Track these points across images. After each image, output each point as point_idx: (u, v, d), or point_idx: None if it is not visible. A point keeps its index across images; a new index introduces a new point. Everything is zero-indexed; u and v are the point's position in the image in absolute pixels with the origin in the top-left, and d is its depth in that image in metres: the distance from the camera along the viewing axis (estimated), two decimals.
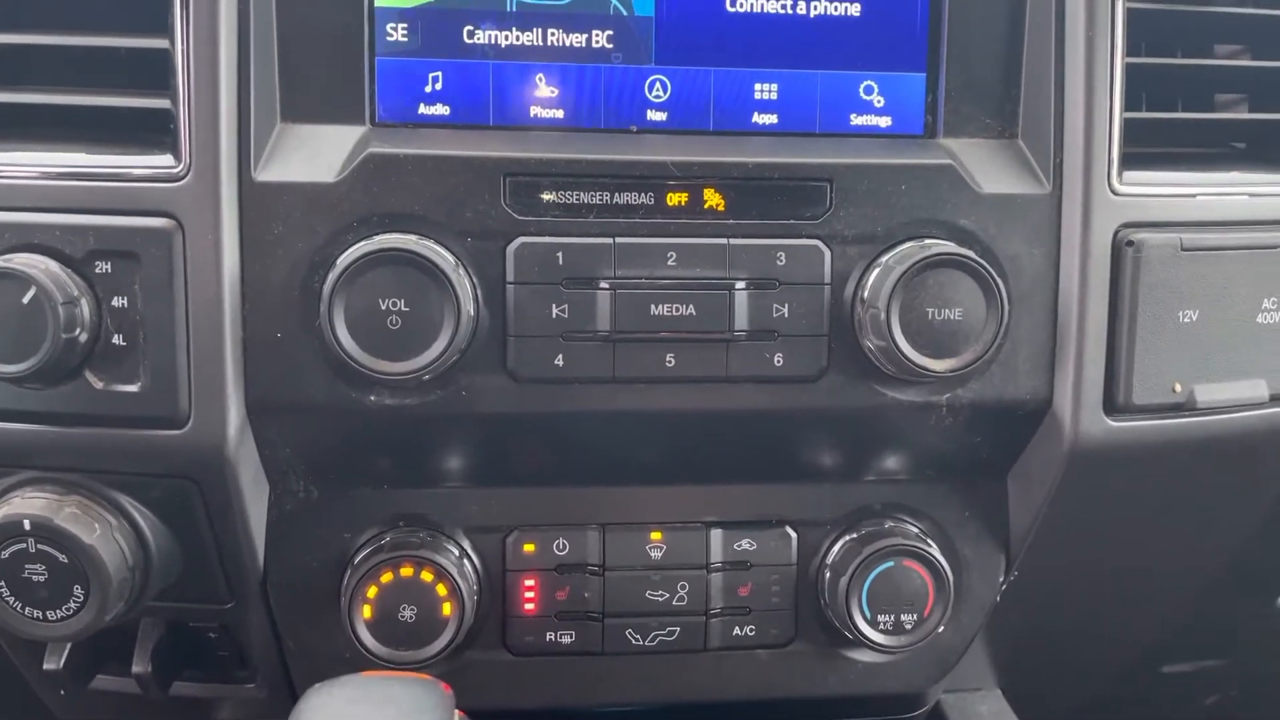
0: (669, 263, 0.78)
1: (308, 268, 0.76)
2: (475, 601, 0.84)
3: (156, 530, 0.80)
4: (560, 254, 0.77)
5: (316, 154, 0.77)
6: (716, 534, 0.88)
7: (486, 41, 0.81)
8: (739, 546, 0.89)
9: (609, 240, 0.78)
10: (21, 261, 0.71)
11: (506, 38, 0.81)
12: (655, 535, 0.87)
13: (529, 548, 0.87)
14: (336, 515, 0.86)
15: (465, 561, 0.85)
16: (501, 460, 0.86)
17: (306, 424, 0.79)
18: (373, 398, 0.77)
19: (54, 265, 0.72)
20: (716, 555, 0.88)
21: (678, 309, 0.78)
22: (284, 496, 0.84)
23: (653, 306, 0.78)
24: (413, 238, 0.75)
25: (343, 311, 0.73)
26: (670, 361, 0.78)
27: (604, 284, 0.78)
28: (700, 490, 0.89)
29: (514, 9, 0.81)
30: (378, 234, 0.76)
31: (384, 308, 0.74)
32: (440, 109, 0.81)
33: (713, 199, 0.79)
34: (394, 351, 0.74)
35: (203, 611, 0.87)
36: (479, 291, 0.76)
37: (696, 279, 0.78)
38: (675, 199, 0.79)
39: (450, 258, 0.75)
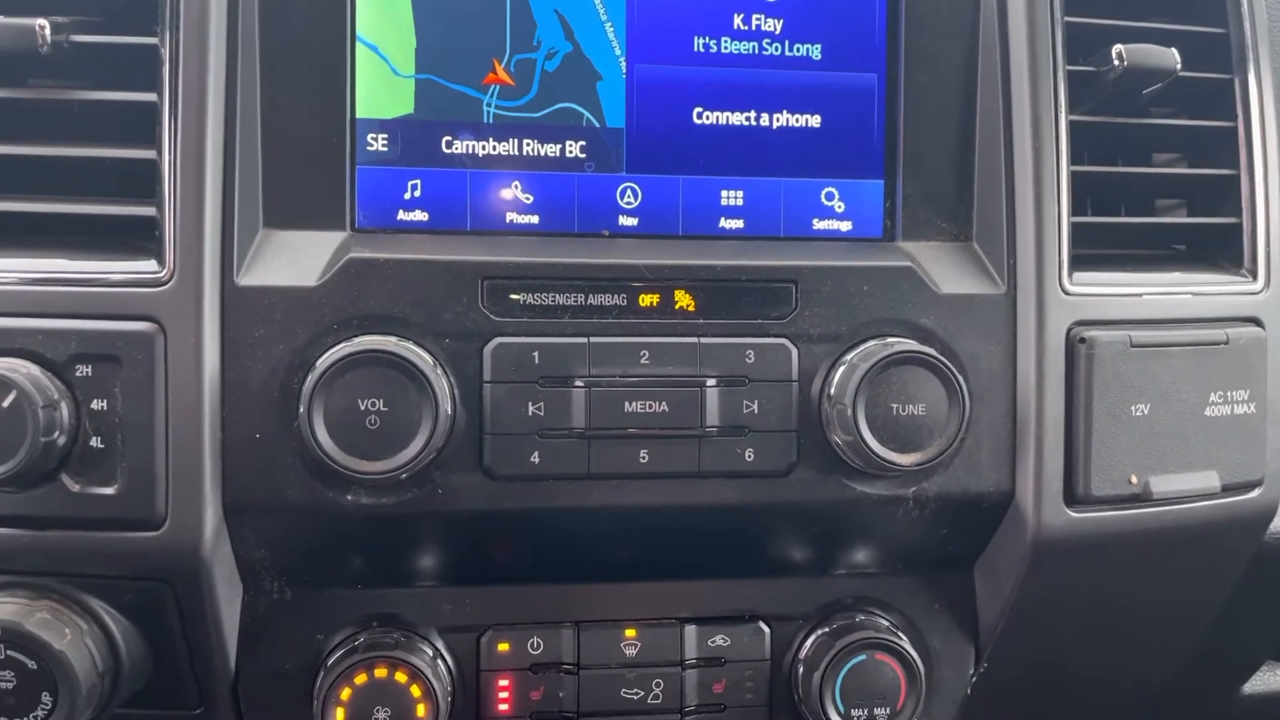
0: (642, 361, 0.81)
1: (287, 369, 0.77)
2: (449, 702, 0.83)
3: (128, 635, 0.79)
4: (536, 353, 0.79)
5: (298, 259, 0.79)
6: (691, 630, 0.89)
7: (464, 151, 0.84)
8: (713, 642, 0.89)
9: (584, 340, 0.80)
10: (3, 366, 0.73)
11: (484, 147, 0.84)
12: (629, 632, 0.88)
13: (503, 647, 0.87)
14: (310, 616, 0.85)
15: (439, 661, 0.85)
16: (476, 559, 0.87)
17: (283, 524, 0.80)
18: (349, 497, 0.78)
19: (34, 369, 0.73)
20: (691, 652, 0.89)
21: (651, 405, 0.80)
22: (257, 598, 0.84)
23: (626, 404, 0.80)
24: (392, 339, 0.77)
25: (322, 412, 0.75)
26: (644, 458, 0.80)
27: (579, 382, 0.80)
28: (673, 586, 0.90)
29: (490, 120, 0.84)
30: (357, 336, 0.78)
31: (363, 408, 0.75)
32: (419, 215, 0.84)
33: (683, 300, 0.82)
34: (372, 451, 0.75)
35: (171, 718, 0.86)
36: (456, 391, 0.78)
37: (668, 377, 0.80)
38: (647, 300, 0.82)
39: (428, 358, 0.77)
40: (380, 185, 0.83)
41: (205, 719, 0.85)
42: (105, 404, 0.75)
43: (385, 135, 0.83)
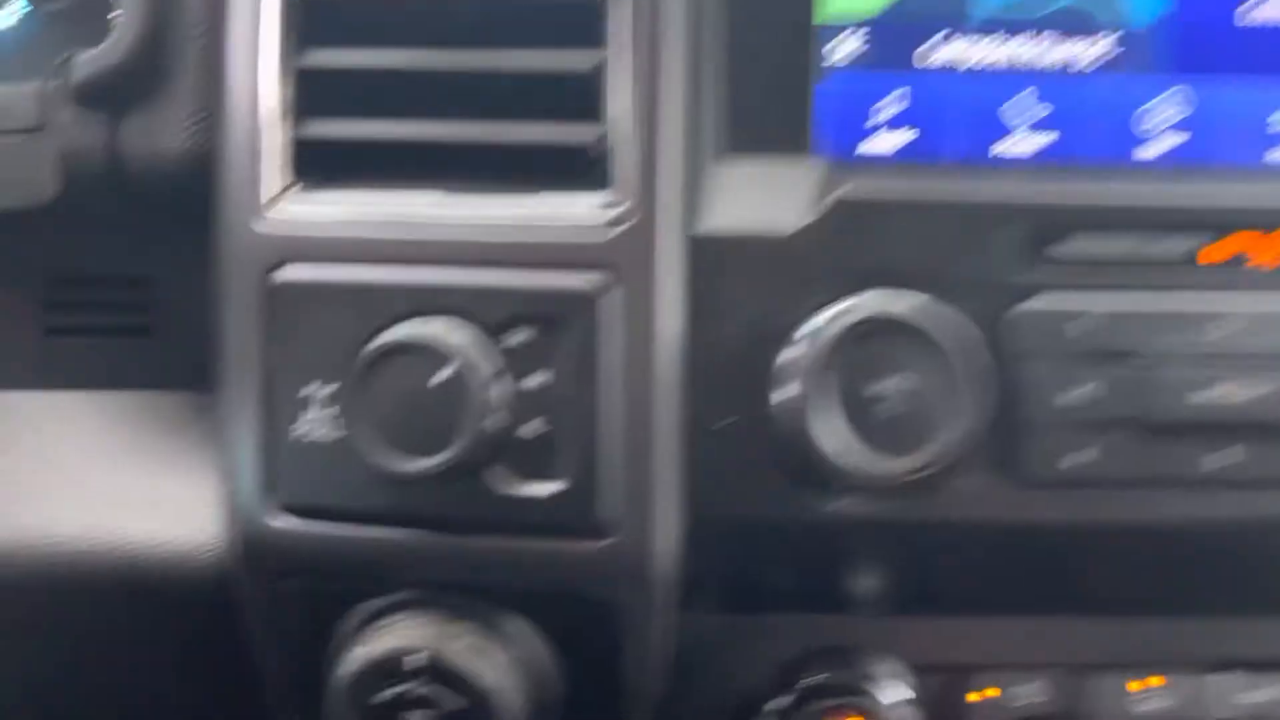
0: (1221, 332, 0.61)
1: (759, 340, 0.60)
2: None
3: (549, 666, 0.64)
4: (1083, 320, 0.60)
5: (767, 197, 0.61)
6: (1227, 679, 0.70)
7: (954, 58, 0.64)
8: (1260, 697, 0.70)
9: (1141, 302, 0.61)
10: (433, 331, 0.58)
11: (979, 52, 0.65)
12: (1155, 680, 0.70)
13: (990, 693, 0.70)
14: (746, 646, 0.69)
15: (907, 708, 0.69)
16: (964, 580, 0.70)
17: (745, 534, 0.64)
18: (835, 504, 0.61)
19: (471, 334, 0.59)
20: (1227, 710, 0.70)
21: (1241, 390, 0.61)
22: (687, 622, 0.68)
23: (1207, 387, 0.61)
24: (902, 301, 0.60)
25: (815, 396, 0.58)
26: (1232, 458, 0.61)
27: (1138, 359, 0.61)
28: (1198, 624, 0.71)
29: (983, 19, 0.65)
30: (847, 296, 0.61)
31: (869, 393, 0.58)
32: (904, 137, 0.66)
33: (1268, 252, 0.63)
34: (882, 446, 0.58)
35: None
36: (979, 368, 0.61)
37: (1265, 352, 0.61)
38: (1218, 251, 0.63)
39: (954, 327, 0.59)
40: (854, 104, 0.64)
41: None
42: (544, 379, 0.59)
43: (860, 38, 0.65)
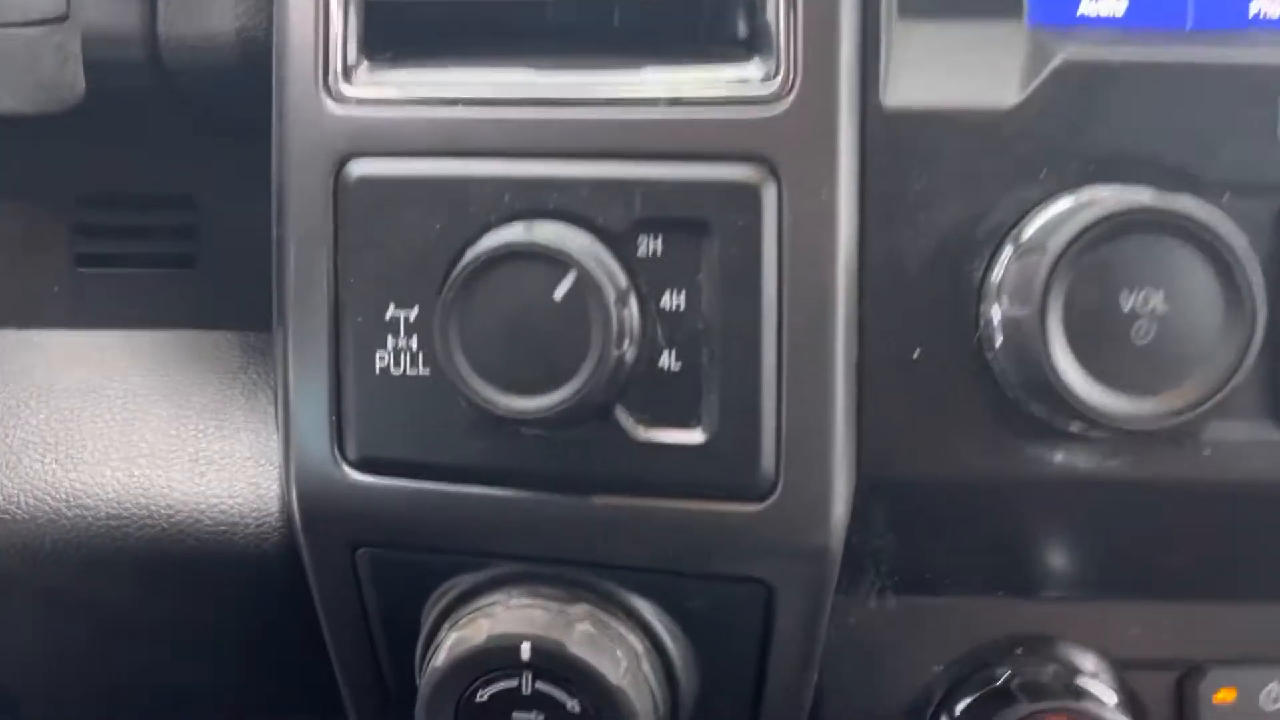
0: None
1: (964, 244, 0.47)
2: None
3: (685, 656, 0.53)
4: None
5: (966, 63, 0.48)
6: None
7: None
8: None
9: None
10: (546, 235, 0.46)
11: None
12: None
13: (1225, 695, 0.58)
14: (919, 634, 0.56)
15: (1123, 714, 0.56)
16: (1186, 558, 0.56)
17: (936, 495, 0.51)
18: (1060, 457, 0.49)
19: (590, 241, 0.46)
20: None
21: None
22: (848, 604, 0.56)
23: None
24: (1152, 195, 0.47)
25: (1057, 311, 0.46)
26: None
27: None
28: None
29: None
30: (1079, 186, 0.48)
31: (1126, 307, 0.46)
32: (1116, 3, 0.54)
33: None
34: (1137, 379, 0.45)
35: None
36: (1253, 285, 0.47)
37: None
38: None
39: (1221, 228, 0.46)
40: None
41: None
42: (683, 300, 0.46)
43: None
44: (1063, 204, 0.46)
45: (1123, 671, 0.56)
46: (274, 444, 0.62)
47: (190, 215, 0.68)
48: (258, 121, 0.55)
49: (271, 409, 0.64)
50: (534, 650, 0.47)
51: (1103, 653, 0.55)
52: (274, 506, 0.60)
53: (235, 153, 0.65)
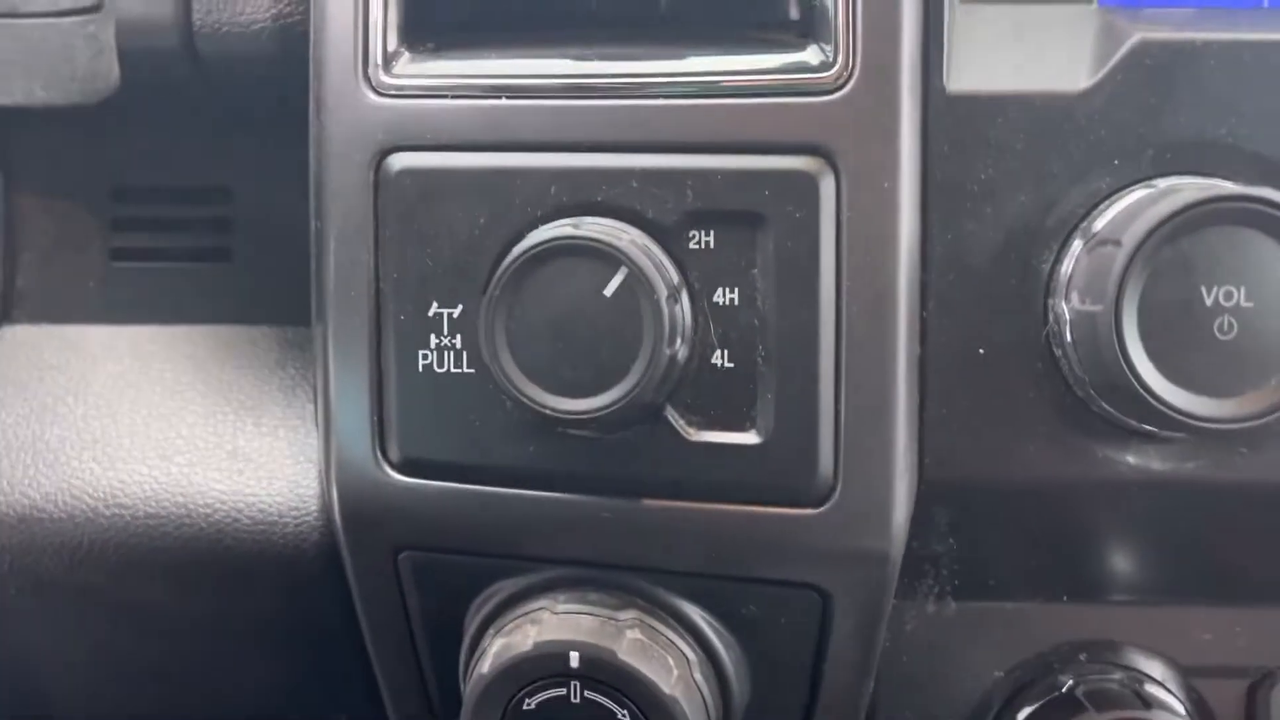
0: None
1: (1033, 234, 0.45)
2: None
3: (738, 666, 0.52)
4: None
5: (1037, 47, 0.46)
6: None
7: None
8: None
9: None
10: (597, 230, 0.44)
11: None
12: None
13: None
14: (979, 639, 0.54)
15: None
16: (1272, 562, 0.54)
17: (1004, 499, 0.49)
18: (1133, 458, 0.47)
19: (638, 234, 0.45)
20: None
21: None
22: (903, 609, 0.54)
23: None
24: (1235, 183, 0.45)
25: (1134, 308, 0.44)
26: None
27: None
28: None
29: None
30: (1156, 178, 0.46)
31: (1208, 303, 0.44)
32: None
33: None
34: (1216, 380, 0.43)
35: None
36: None
37: None
38: None
39: None
40: None
41: None
42: (737, 296, 0.45)
43: None
44: (1137, 194, 0.44)
45: (1191, 679, 0.54)
46: (313, 441, 0.61)
47: (226, 208, 0.67)
48: (295, 112, 0.54)
49: (310, 406, 0.63)
50: (583, 659, 0.45)
51: (1170, 660, 0.53)
52: (313, 505, 0.59)
53: (271, 144, 0.63)
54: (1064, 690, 0.52)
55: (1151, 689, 0.52)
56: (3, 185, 0.69)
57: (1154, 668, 0.53)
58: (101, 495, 0.60)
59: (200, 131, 0.66)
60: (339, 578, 0.57)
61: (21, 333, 0.68)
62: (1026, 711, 0.52)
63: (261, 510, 0.59)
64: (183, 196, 0.67)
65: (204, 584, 0.60)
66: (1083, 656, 0.53)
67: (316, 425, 0.55)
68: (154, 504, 0.59)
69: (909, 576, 0.51)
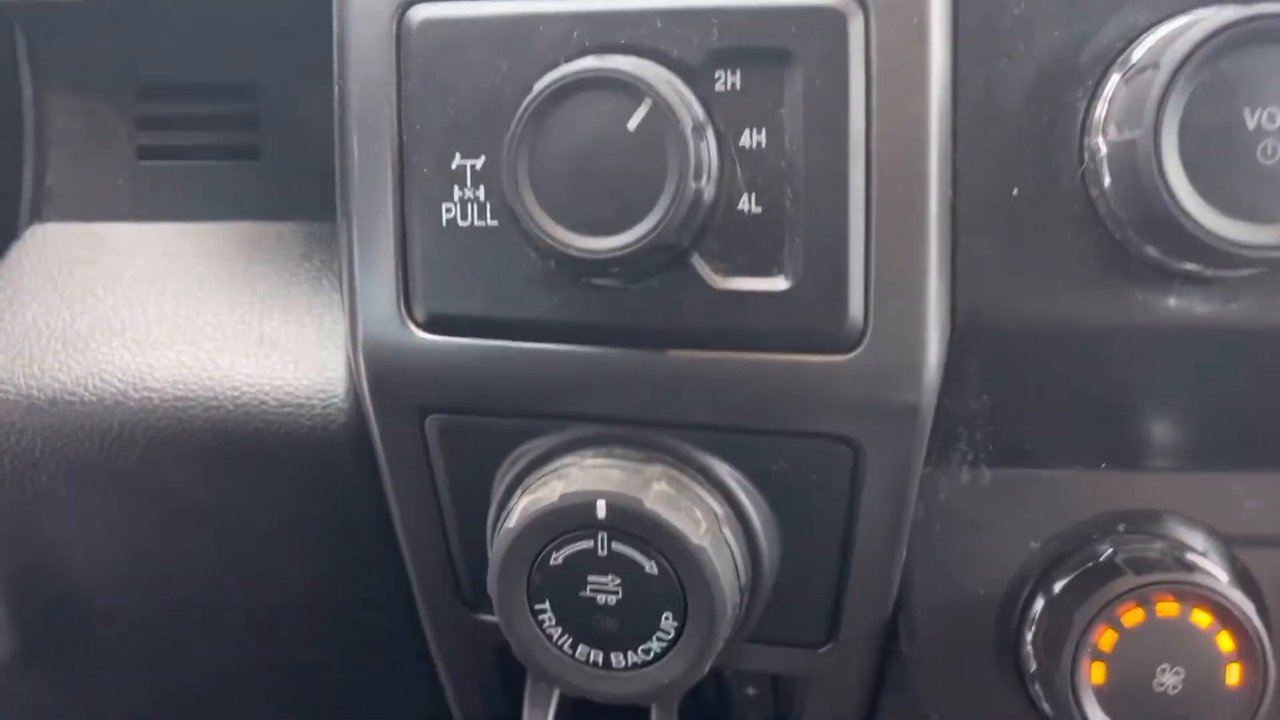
0: None
1: (1068, 71, 0.43)
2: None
3: (768, 525, 0.52)
4: None
5: None
6: None
7: None
8: None
9: None
10: (621, 63, 0.42)
11: None
12: None
13: None
14: (1015, 509, 0.53)
15: (1244, 596, 0.53)
16: None
17: (1038, 348, 0.48)
18: (1174, 301, 0.46)
19: (664, 72, 0.44)
20: None
21: None
22: (934, 478, 0.54)
23: None
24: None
25: (1174, 133, 0.42)
26: None
27: None
28: None
29: None
30: (1198, 7, 0.44)
31: (1251, 125, 0.42)
32: None
33: None
34: (1261, 205, 0.40)
35: (783, 656, 0.59)
36: None
37: None
38: None
39: None
40: None
41: (829, 663, 0.57)
42: (763, 138, 0.44)
43: None
44: (1176, 24, 0.42)
45: (1235, 548, 0.52)
46: (339, 329, 0.61)
47: (252, 104, 0.67)
48: (319, 6, 0.53)
49: (336, 295, 0.63)
50: (610, 508, 0.45)
51: (1213, 529, 0.52)
52: (340, 388, 0.59)
53: (297, 40, 0.64)
54: (1102, 559, 0.51)
55: (1193, 558, 0.51)
56: (32, 85, 0.70)
57: (1196, 538, 0.52)
58: (130, 379, 0.60)
59: (226, 28, 0.67)
60: (367, 463, 0.57)
61: (52, 230, 0.69)
62: (1063, 582, 0.51)
63: (289, 393, 0.59)
64: (209, 94, 0.68)
65: (233, 468, 0.61)
66: (1121, 527, 0.52)
67: (343, 311, 0.55)
68: (182, 387, 0.59)
69: (942, 439, 0.50)
